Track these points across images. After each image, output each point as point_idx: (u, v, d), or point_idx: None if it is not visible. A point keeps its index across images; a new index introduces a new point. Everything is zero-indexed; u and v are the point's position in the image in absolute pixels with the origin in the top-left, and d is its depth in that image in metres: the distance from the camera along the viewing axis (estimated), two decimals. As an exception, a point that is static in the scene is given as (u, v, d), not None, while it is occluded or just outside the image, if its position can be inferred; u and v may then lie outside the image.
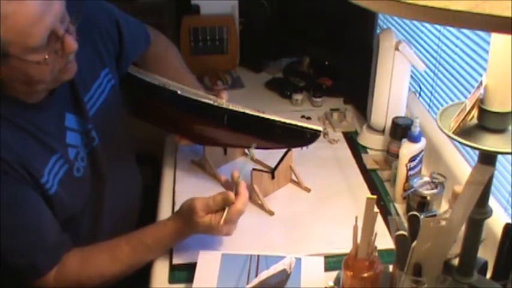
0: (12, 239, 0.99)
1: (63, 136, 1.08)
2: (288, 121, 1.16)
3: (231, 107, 1.18)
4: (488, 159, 0.72)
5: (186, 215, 1.07)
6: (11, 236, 0.98)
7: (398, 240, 0.88)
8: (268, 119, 1.16)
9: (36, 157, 1.00)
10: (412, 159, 1.23)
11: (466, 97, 0.99)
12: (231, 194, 1.05)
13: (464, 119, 0.69)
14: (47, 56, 0.92)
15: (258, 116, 1.17)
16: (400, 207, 1.25)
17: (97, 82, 1.18)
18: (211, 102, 1.20)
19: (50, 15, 0.89)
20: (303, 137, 1.17)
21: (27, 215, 1.00)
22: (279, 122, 1.16)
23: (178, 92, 1.22)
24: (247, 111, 1.17)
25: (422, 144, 1.25)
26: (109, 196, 1.19)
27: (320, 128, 1.16)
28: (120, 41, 1.26)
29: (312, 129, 1.15)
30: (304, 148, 1.20)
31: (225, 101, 1.21)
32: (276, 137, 1.18)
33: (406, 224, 0.90)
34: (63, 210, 1.06)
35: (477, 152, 0.73)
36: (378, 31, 1.79)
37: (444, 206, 1.21)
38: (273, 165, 1.30)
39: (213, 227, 1.05)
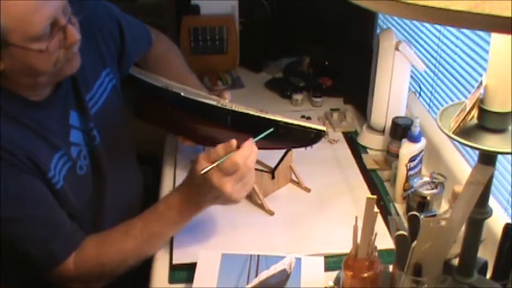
0: (29, 229, 0.99)
1: (67, 134, 1.08)
2: (291, 121, 1.16)
3: (234, 108, 1.18)
4: (488, 159, 0.72)
5: (190, 171, 1.04)
6: (27, 226, 0.99)
7: (398, 240, 0.88)
8: (271, 120, 1.16)
9: (41, 152, 1.00)
10: (412, 159, 1.23)
11: (466, 97, 0.98)
12: (234, 141, 0.99)
13: (464, 119, 0.69)
14: (48, 45, 0.92)
15: (261, 117, 1.16)
16: (400, 207, 1.25)
17: (98, 81, 1.18)
18: (214, 103, 1.20)
19: (50, 4, 0.91)
20: (306, 137, 1.16)
21: (41, 204, 1.00)
22: (283, 122, 1.15)
23: (182, 94, 1.22)
24: (251, 112, 1.17)
25: (422, 144, 1.25)
26: (110, 196, 1.19)
27: (324, 128, 1.16)
28: (122, 41, 1.26)
29: (316, 129, 1.15)
30: (308, 148, 1.20)
31: (228, 101, 1.21)
32: (279, 138, 1.17)
33: (406, 224, 0.90)
34: (67, 207, 1.06)
35: (477, 152, 0.73)
36: (378, 31, 1.79)
37: (444, 206, 1.21)
38: (273, 165, 1.30)
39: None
